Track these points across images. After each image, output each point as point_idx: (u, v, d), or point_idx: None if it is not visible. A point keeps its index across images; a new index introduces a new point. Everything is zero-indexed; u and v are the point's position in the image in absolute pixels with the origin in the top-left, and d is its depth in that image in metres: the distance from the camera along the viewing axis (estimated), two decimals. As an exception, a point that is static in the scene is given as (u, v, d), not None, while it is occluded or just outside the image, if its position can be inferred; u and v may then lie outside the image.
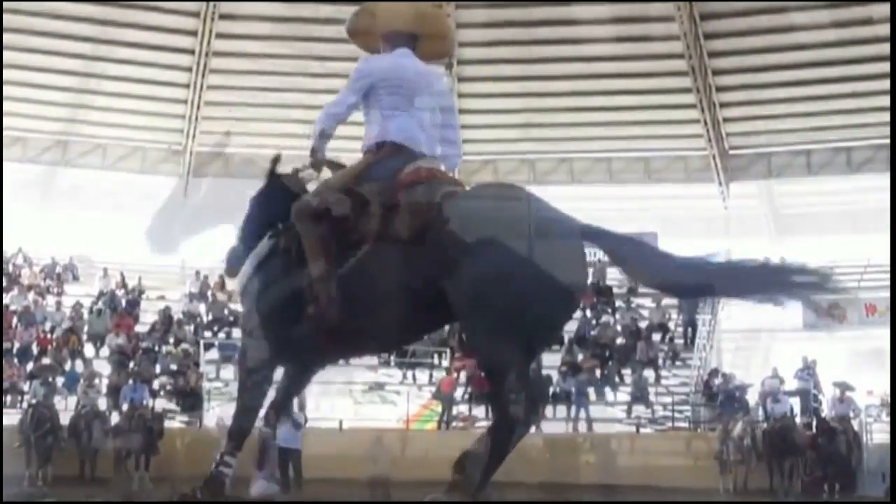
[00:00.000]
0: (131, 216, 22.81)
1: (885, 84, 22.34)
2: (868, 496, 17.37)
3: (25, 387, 20.60)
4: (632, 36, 25.22)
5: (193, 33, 25.38)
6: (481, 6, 25.06)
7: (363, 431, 19.28)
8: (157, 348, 22.68)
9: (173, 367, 21.72)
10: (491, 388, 5.77)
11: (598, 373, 22.01)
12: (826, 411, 20.04)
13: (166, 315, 23.56)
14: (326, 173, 6.15)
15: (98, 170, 26.37)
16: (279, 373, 6.29)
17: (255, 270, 5.98)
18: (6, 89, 23.94)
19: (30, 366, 21.45)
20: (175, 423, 20.14)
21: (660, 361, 22.60)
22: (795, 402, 20.15)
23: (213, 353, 22.64)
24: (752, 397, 21.01)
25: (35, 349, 22.22)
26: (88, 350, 22.59)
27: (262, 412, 6.39)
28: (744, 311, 23.22)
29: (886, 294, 22.00)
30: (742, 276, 5.66)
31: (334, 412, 19.85)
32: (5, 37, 23.46)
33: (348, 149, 6.24)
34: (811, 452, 18.26)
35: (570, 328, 23.14)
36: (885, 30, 22.33)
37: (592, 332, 23.40)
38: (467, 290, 5.38)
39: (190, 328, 23.59)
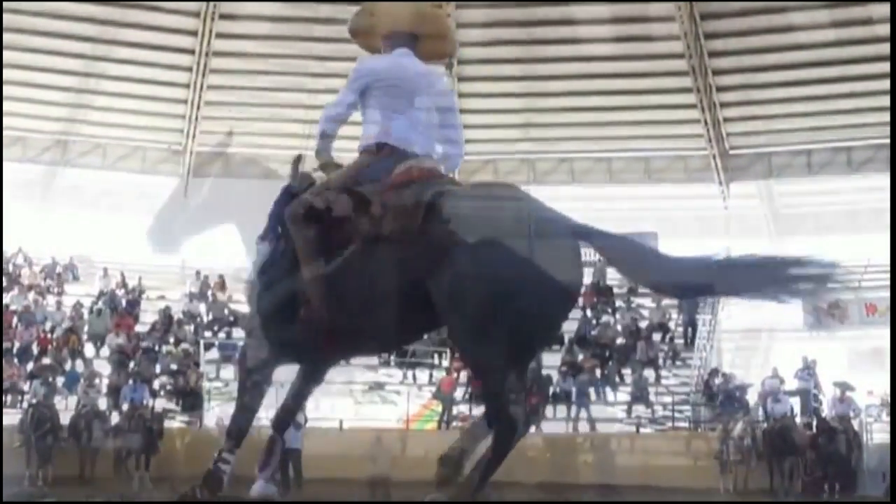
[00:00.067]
0: (131, 216, 22.86)
1: (885, 84, 22.32)
2: (868, 496, 17.37)
3: (26, 387, 20.61)
4: (632, 36, 25.20)
5: (193, 33, 25.38)
6: (481, 6, 25.05)
7: (363, 431, 19.29)
8: (157, 348, 22.68)
9: (173, 366, 21.73)
10: (479, 388, 5.80)
11: (598, 373, 22.01)
12: (826, 411, 20.05)
13: (166, 315, 23.57)
14: None
15: (98, 170, 26.36)
16: (281, 374, 6.30)
17: (257, 272, 6.01)
18: (6, 89, 23.93)
19: (30, 366, 21.46)
20: (175, 422, 20.15)
21: (660, 361, 22.60)
22: (795, 402, 20.16)
23: (214, 353, 22.65)
24: (751, 397, 21.02)
25: (35, 349, 22.22)
26: (88, 350, 22.59)
27: (271, 414, 6.43)
28: (744, 311, 23.23)
29: (887, 294, 21.99)
30: (738, 274, 5.64)
31: (334, 412, 19.85)
32: (5, 36, 23.45)
33: (350, 149, 6.24)
34: (811, 452, 18.27)
35: (570, 328, 23.16)
36: (884, 29, 22.32)
37: (592, 332, 23.39)
38: (447, 289, 5.38)
39: (190, 328, 23.59)
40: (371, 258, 5.60)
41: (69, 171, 26.29)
